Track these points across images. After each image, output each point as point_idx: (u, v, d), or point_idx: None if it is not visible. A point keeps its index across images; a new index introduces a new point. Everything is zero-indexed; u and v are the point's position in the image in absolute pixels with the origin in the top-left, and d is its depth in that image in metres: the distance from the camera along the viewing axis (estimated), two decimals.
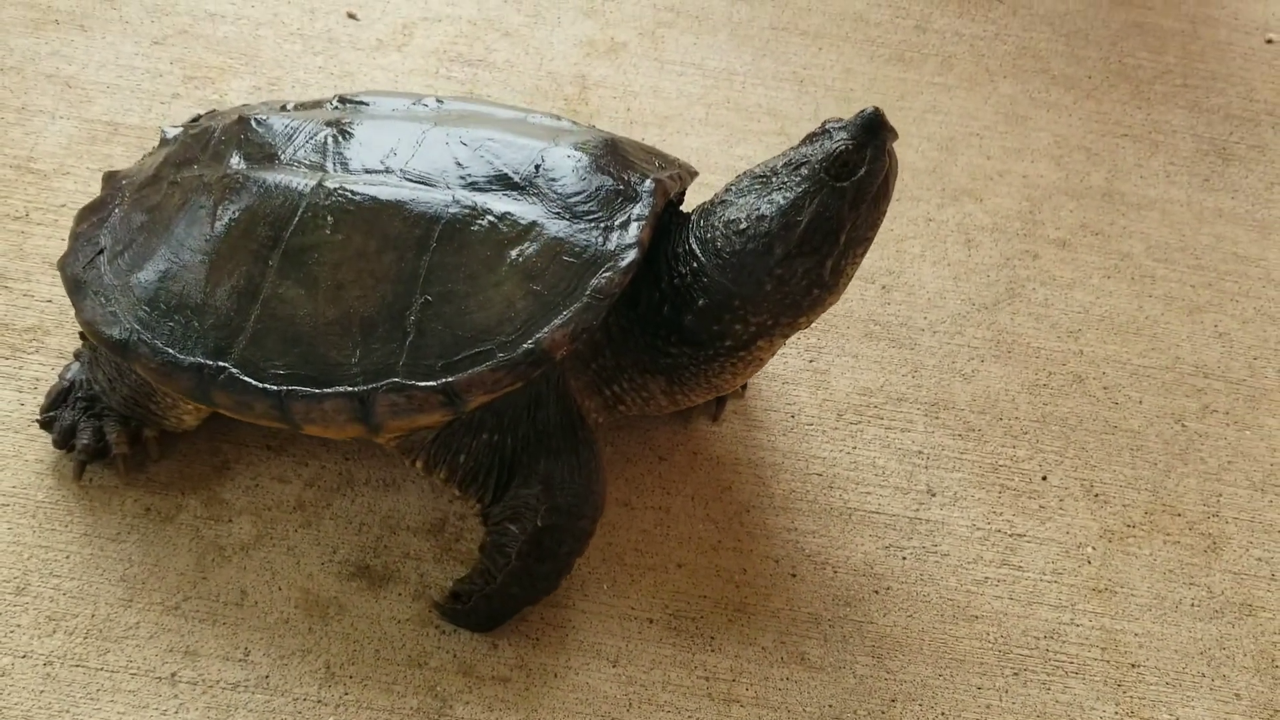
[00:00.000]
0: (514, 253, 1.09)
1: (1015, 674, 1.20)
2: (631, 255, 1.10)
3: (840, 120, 1.11)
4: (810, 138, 1.12)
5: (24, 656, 1.12)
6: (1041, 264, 1.55)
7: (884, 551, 1.27)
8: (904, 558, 1.27)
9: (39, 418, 1.24)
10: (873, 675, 1.19)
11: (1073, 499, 1.33)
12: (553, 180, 1.14)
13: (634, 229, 1.12)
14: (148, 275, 1.15)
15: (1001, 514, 1.31)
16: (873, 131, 1.07)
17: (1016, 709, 1.17)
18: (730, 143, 1.64)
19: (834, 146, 1.07)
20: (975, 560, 1.27)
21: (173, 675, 1.12)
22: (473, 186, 1.13)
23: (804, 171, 1.09)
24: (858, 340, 1.45)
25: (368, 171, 1.14)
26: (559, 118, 1.28)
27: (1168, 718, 1.18)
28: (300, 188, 1.13)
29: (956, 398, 1.40)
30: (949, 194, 1.61)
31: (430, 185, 1.12)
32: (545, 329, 1.07)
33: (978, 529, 1.30)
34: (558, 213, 1.12)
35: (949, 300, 1.50)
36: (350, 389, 1.08)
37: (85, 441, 1.21)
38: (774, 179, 1.11)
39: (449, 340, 1.07)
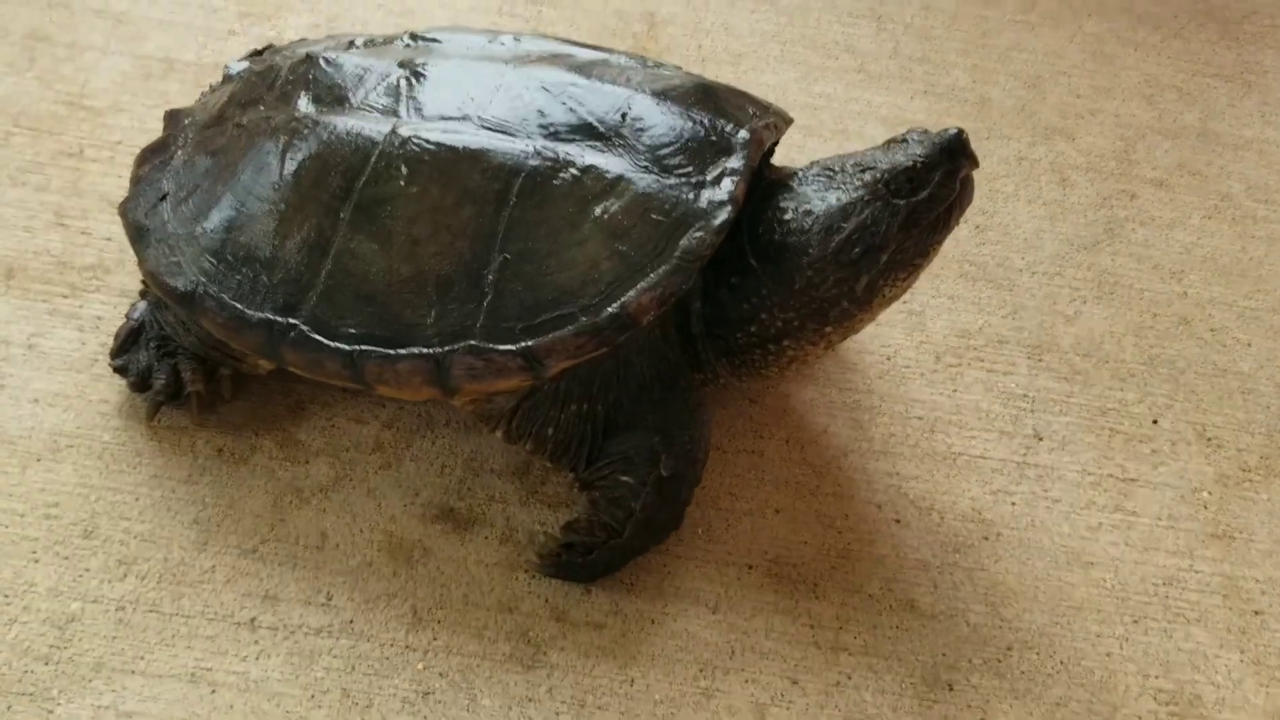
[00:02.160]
0: (598, 209, 1.02)
1: (1135, 621, 1.13)
2: (725, 214, 1.03)
3: (924, 131, 1.04)
4: (890, 143, 1.06)
5: (94, 601, 1.07)
6: (1140, 204, 1.48)
7: (992, 497, 1.21)
8: (1013, 503, 1.20)
9: (113, 362, 1.18)
10: (986, 623, 1.12)
11: (1185, 443, 1.26)
12: (640, 130, 1.06)
13: (727, 184, 1.04)
14: (213, 224, 1.09)
15: (1113, 458, 1.24)
16: (949, 155, 1.00)
17: (1138, 657, 1.11)
18: (808, 80, 1.57)
19: (903, 160, 1.01)
20: (1088, 506, 1.21)
21: (252, 620, 1.06)
22: (555, 136, 1.06)
23: (866, 178, 1.03)
24: (953, 281, 1.38)
25: (444, 119, 1.07)
26: (645, 60, 1.21)
27: None
28: (373, 135, 1.06)
29: (1059, 340, 1.34)
30: (1039, 132, 1.54)
31: (510, 134, 1.06)
32: (631, 292, 1.00)
33: (1089, 474, 1.23)
34: (645, 166, 1.05)
35: (1046, 240, 1.43)
36: (425, 350, 1.02)
37: (162, 382, 1.15)
38: (838, 176, 1.06)
39: (529, 302, 1.01)
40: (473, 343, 1.01)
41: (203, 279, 1.07)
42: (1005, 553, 1.17)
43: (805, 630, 1.10)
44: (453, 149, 1.04)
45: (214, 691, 1.03)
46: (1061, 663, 1.10)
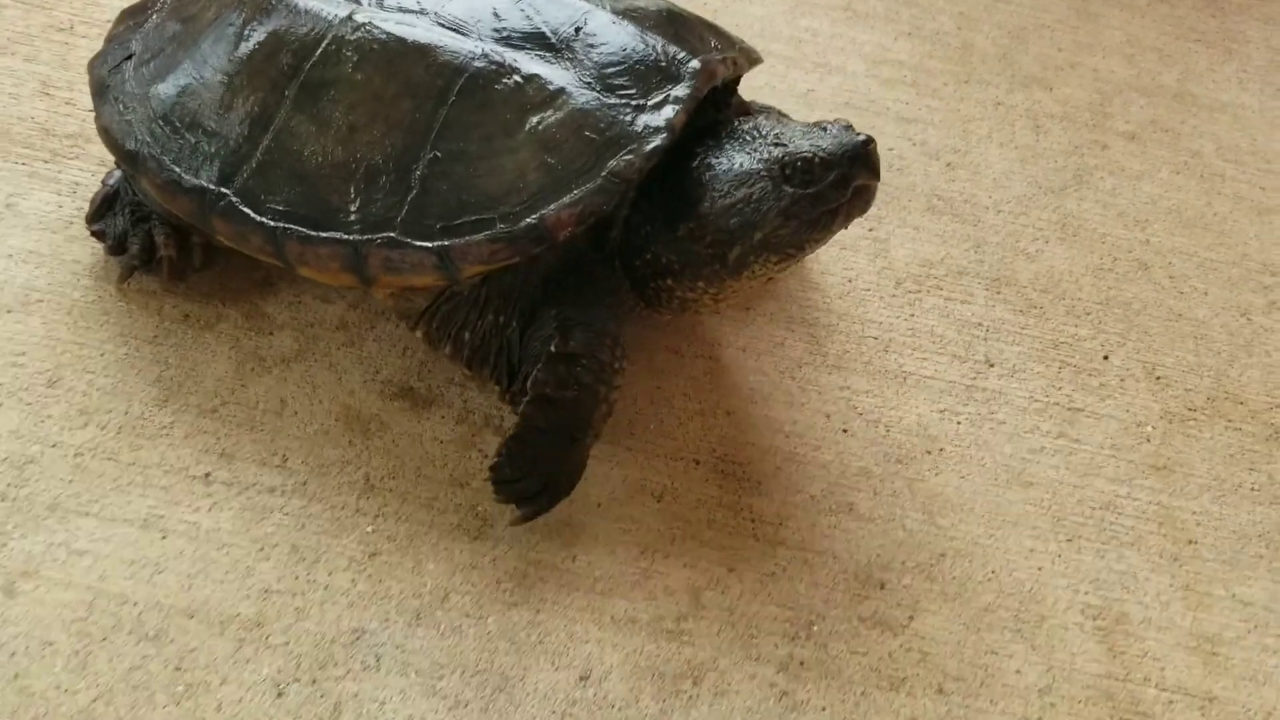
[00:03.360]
0: (535, 119, 1.03)
1: (1069, 540, 1.16)
2: (657, 140, 1.02)
3: (845, 127, 1.03)
4: (815, 126, 1.05)
5: (54, 446, 1.09)
6: (1110, 155, 1.51)
7: (939, 415, 1.23)
8: (959, 422, 1.23)
9: (90, 226, 1.20)
10: (922, 530, 1.15)
11: (1134, 379, 1.29)
12: (591, 46, 1.07)
13: (667, 111, 1.04)
14: (167, 89, 1.11)
15: (1061, 388, 1.27)
16: (848, 161, 0.99)
17: (1069, 573, 1.14)
18: (795, 14, 1.60)
19: (806, 150, 1.00)
20: (1032, 430, 1.24)
21: (207, 475, 1.09)
22: (506, 41, 1.07)
23: (773, 154, 1.02)
24: (919, 213, 1.40)
25: (401, 10, 1.08)
26: None
27: (1224, 594, 1.15)
28: (329, 18, 1.08)
29: (1019, 275, 1.36)
30: (1018, 80, 1.57)
31: (462, 33, 1.06)
32: (552, 206, 1.01)
33: (1036, 400, 1.26)
34: (589, 83, 1.05)
35: (1015, 182, 1.46)
36: (346, 236, 1.03)
37: (137, 246, 1.17)
38: (755, 142, 1.05)
39: (453, 203, 1.02)
40: (392, 235, 1.02)
41: (148, 140, 1.09)
42: (947, 467, 1.20)
43: (745, 524, 1.13)
44: (402, 41, 1.05)
45: (164, 538, 1.05)
46: (993, 572, 1.13)
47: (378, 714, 0.98)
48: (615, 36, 1.07)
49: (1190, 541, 1.18)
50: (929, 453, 1.20)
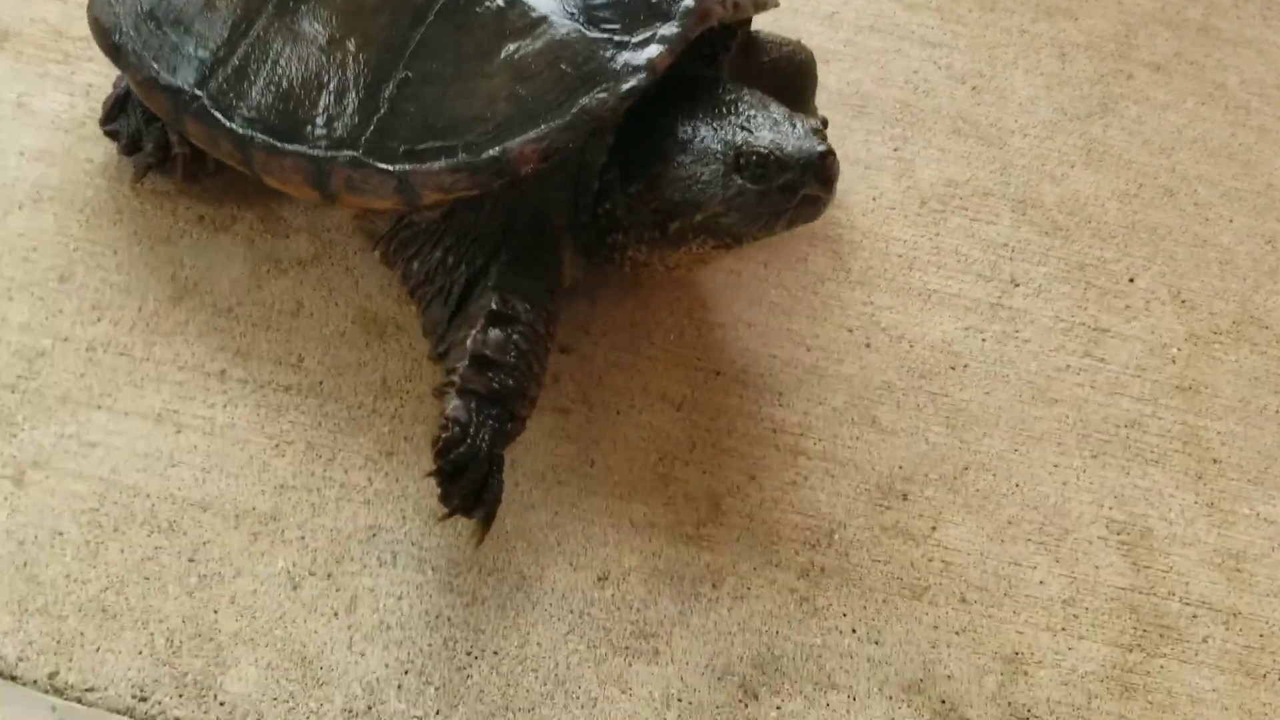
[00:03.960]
0: (512, 46, 0.98)
1: (1094, 456, 1.15)
2: (634, 81, 0.96)
3: (817, 130, 0.98)
4: (791, 116, 0.99)
5: (65, 340, 1.07)
6: (1136, 84, 1.49)
7: (963, 332, 1.22)
8: (983, 340, 1.21)
9: (104, 127, 1.17)
10: (946, 443, 1.13)
11: (1159, 302, 1.28)
12: None
13: (650, 51, 0.97)
14: None
15: (1086, 309, 1.25)
16: (801, 169, 0.93)
17: (1093, 488, 1.12)
18: None
19: (766, 144, 0.94)
20: (1057, 349, 1.22)
21: (222, 372, 1.07)
22: None
23: (736, 138, 0.96)
24: (944, 135, 1.38)
25: None
26: None
27: (1248, 512, 1.13)
28: None
29: (1045, 197, 1.34)
30: (1043, 9, 1.54)
31: None
32: (517, 139, 0.95)
33: (1061, 320, 1.24)
34: (573, 13, 0.99)
35: (1040, 107, 1.43)
36: (311, 151, 0.99)
37: (151, 146, 1.15)
38: (729, 118, 0.98)
39: (419, 126, 0.98)
40: (356, 155, 0.98)
41: (132, 34, 1.06)
42: (971, 383, 1.18)
43: (767, 433, 1.12)
44: None
45: (179, 432, 1.03)
46: (1017, 485, 1.12)
47: (394, 608, 0.97)
48: None
49: (1215, 460, 1.17)
50: (953, 368, 1.19)
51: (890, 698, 0.99)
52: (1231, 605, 1.08)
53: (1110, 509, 1.12)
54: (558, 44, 0.98)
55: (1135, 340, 1.24)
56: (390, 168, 0.97)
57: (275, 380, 1.07)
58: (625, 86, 0.96)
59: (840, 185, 1.31)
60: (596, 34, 0.98)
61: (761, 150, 0.94)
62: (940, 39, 1.48)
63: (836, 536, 1.06)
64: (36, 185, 1.16)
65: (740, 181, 0.95)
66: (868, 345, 1.19)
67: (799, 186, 0.94)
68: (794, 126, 0.96)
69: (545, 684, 0.95)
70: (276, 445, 1.04)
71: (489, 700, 0.94)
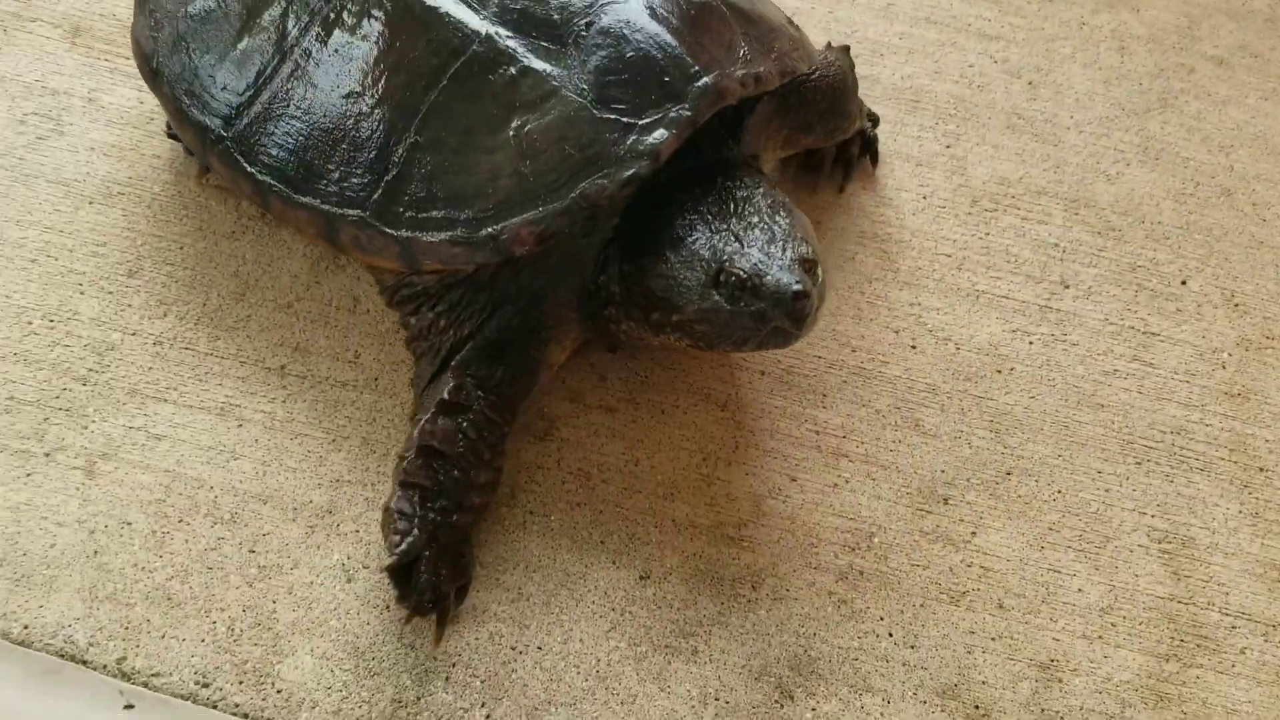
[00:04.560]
0: (518, 121, 0.97)
1: (1138, 463, 1.15)
2: (635, 168, 0.95)
3: (801, 257, 0.94)
4: (793, 230, 0.96)
5: (134, 334, 1.11)
6: (1196, 78, 1.46)
7: (1010, 334, 1.22)
8: (1031, 342, 1.22)
9: (168, 131, 1.21)
10: (989, 448, 1.14)
11: (1211, 305, 1.27)
12: (596, 46, 0.98)
13: (655, 135, 0.95)
14: (193, 10, 1.08)
15: (1136, 312, 1.25)
16: (773, 302, 0.92)
17: (1136, 496, 1.13)
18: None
19: (748, 267, 0.93)
20: (1105, 353, 1.22)
21: (282, 367, 1.11)
22: (511, 24, 1.00)
23: (726, 249, 0.94)
24: (998, 131, 1.38)
25: None
26: None
27: None
28: None
29: (1098, 197, 1.34)
30: (1103, 0, 1.52)
31: (473, 7, 1.00)
32: (515, 219, 0.95)
33: (1110, 323, 1.24)
34: (583, 90, 0.97)
35: (1097, 102, 1.42)
36: (323, 206, 1.00)
37: None
38: (725, 223, 0.96)
39: (424, 193, 0.98)
40: (364, 216, 0.99)
41: (167, 62, 1.08)
42: (1016, 387, 1.19)
43: (809, 435, 1.13)
44: (409, 7, 1.01)
45: (241, 425, 1.08)
46: (1059, 491, 1.13)
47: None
48: (624, 36, 0.99)
49: (1261, 469, 1.16)
50: (999, 371, 1.19)
51: (924, 702, 1.01)
52: (1272, 616, 1.08)
53: (1152, 517, 1.12)
54: (564, 122, 0.96)
55: (1185, 344, 1.23)
56: (394, 233, 0.98)
57: (333, 376, 1.11)
58: (625, 174, 0.95)
59: (891, 182, 1.33)
60: (604, 114, 0.96)
61: (741, 274, 0.93)
62: (997, 31, 1.47)
63: (876, 540, 1.08)
64: (106, 180, 1.20)
65: (717, 297, 0.94)
66: (913, 347, 1.20)
67: (768, 318, 0.93)
68: (784, 253, 0.94)
69: (587, 680, 0.99)
70: (333, 440, 1.08)
71: (532, 694, 0.97)
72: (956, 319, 1.23)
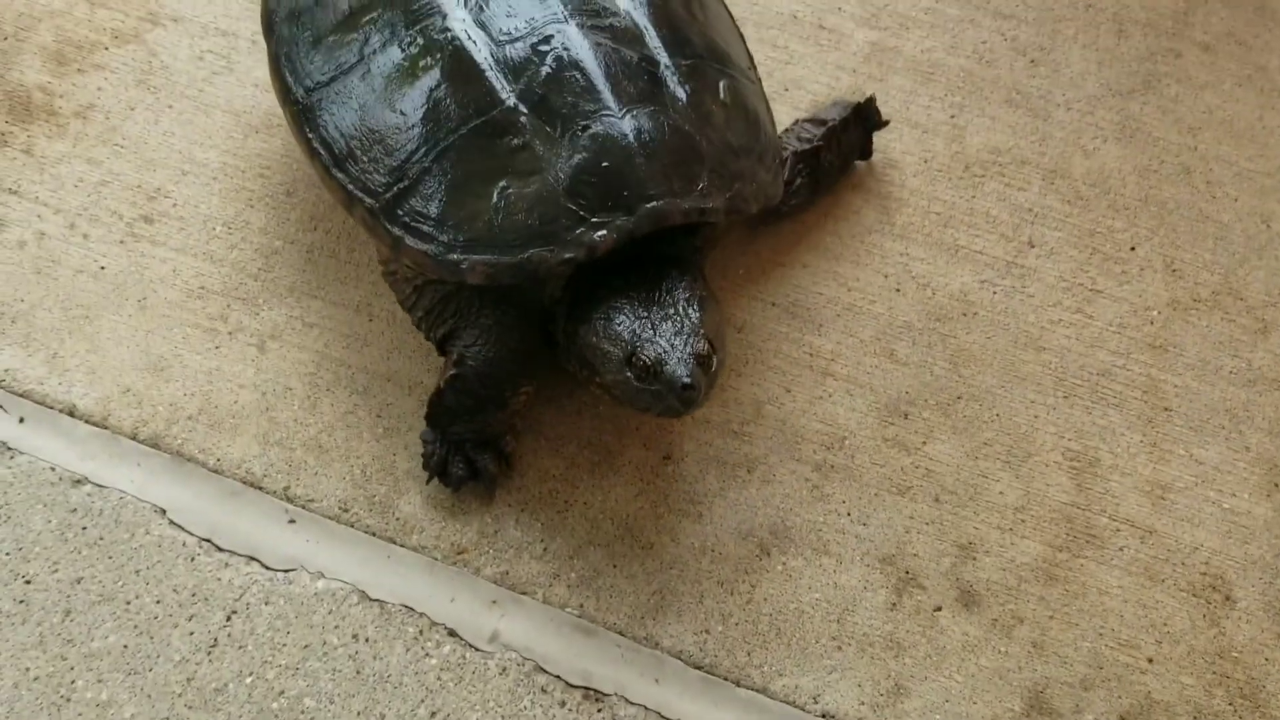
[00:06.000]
0: (505, 183, 1.18)
1: (1065, 397, 1.45)
2: (574, 253, 1.16)
3: (702, 353, 1.15)
4: (691, 337, 1.16)
5: (292, 242, 1.45)
6: (1182, 63, 1.69)
7: (979, 284, 1.51)
8: (994, 292, 1.51)
9: None
10: (946, 376, 1.45)
11: (1152, 270, 1.54)
12: (585, 148, 1.18)
13: (598, 234, 1.16)
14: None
15: (1087, 271, 1.53)
16: (666, 386, 1.13)
17: (1059, 423, 1.43)
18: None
19: (648, 354, 1.14)
20: (1055, 305, 1.50)
21: None
22: (530, 104, 1.19)
23: (641, 335, 1.15)
24: (998, 104, 1.63)
25: (484, 28, 1.22)
26: (744, 71, 1.37)
27: (1183, 453, 1.43)
28: (441, 9, 1.24)
29: (1074, 169, 1.60)
30: None
31: (508, 80, 1.20)
32: (476, 257, 1.18)
33: (1064, 280, 1.52)
34: (560, 179, 1.17)
35: (1089, 82, 1.66)
36: (349, 186, 1.24)
37: None
38: (649, 315, 1.17)
39: (421, 208, 1.20)
40: (375, 206, 1.22)
41: (280, 24, 1.32)
42: (976, 328, 1.48)
43: (804, 357, 1.45)
44: (462, 61, 1.21)
45: (371, 320, 1.42)
46: (997, 414, 1.44)
47: (514, 460, 1.35)
48: (608, 148, 1.18)
49: (1166, 409, 1.46)
50: (964, 315, 1.49)
51: (868, 565, 1.35)
52: (1150, 525, 1.39)
53: (1070, 440, 1.43)
54: (539, 199, 1.17)
55: (1123, 301, 1.52)
56: (391, 229, 1.21)
57: None
58: (565, 255, 1.17)
59: (899, 146, 1.61)
60: (568, 203, 1.17)
61: (647, 361, 1.14)
62: (1012, 10, 1.71)
63: (847, 442, 1.41)
64: (268, 113, 1.52)
65: (628, 373, 1.16)
66: (898, 290, 1.50)
67: (662, 398, 1.15)
68: (686, 347, 1.15)
69: (618, 529, 1.34)
70: None
71: (577, 536, 1.33)
72: (936, 268, 1.52)
